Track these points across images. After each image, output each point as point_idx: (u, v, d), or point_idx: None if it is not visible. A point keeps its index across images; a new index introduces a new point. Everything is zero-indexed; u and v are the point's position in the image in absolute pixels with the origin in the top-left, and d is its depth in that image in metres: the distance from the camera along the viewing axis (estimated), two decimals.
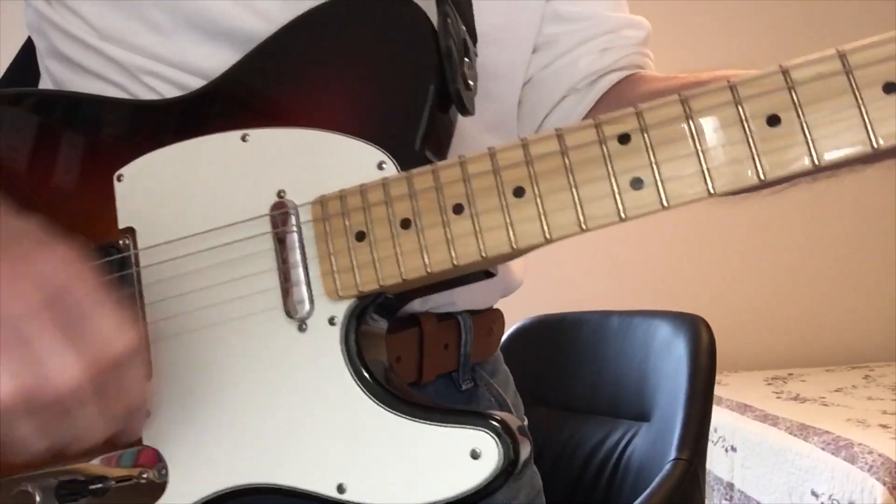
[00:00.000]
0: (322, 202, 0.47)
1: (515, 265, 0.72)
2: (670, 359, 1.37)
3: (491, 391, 0.68)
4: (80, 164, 0.52)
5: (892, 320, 3.20)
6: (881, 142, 0.38)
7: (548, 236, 0.43)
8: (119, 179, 0.51)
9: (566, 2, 0.65)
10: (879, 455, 1.88)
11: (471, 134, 0.57)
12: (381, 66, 0.49)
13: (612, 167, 0.42)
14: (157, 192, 0.50)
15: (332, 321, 0.46)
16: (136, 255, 0.50)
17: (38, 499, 0.48)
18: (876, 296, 3.22)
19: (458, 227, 0.44)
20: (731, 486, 2.35)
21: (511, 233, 0.43)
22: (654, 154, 0.41)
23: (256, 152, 0.49)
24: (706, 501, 1.78)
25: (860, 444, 1.95)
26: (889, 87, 0.37)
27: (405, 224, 0.45)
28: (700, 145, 0.41)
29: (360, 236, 0.46)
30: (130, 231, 0.51)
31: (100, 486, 0.48)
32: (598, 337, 1.55)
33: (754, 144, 0.40)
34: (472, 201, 0.44)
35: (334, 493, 0.45)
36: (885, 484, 1.82)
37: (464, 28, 0.51)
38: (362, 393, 0.45)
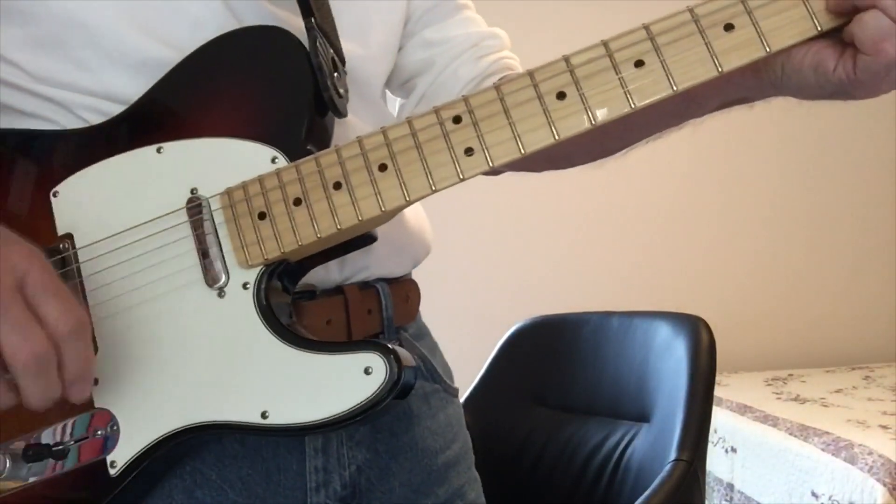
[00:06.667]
0: (228, 193, 0.58)
1: (422, 237, 0.79)
2: (670, 360, 1.37)
3: (414, 350, 0.76)
4: (22, 189, 0.62)
5: (892, 321, 3.20)
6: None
7: (407, 198, 0.56)
8: (55, 196, 0.61)
9: (430, 29, 0.79)
10: (879, 456, 1.89)
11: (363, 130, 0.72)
12: (268, 82, 0.61)
13: (450, 141, 0.55)
14: (89, 201, 0.61)
15: (245, 286, 0.58)
16: (76, 254, 0.60)
17: (7, 464, 0.57)
18: (876, 296, 3.22)
19: (339, 199, 0.56)
20: (731, 486, 2.35)
21: (380, 199, 0.56)
22: (479, 128, 0.55)
23: (170, 160, 0.60)
24: (706, 502, 1.78)
25: (860, 445, 1.95)
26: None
27: (297, 202, 0.57)
28: (511, 117, 0.54)
29: (262, 216, 0.57)
30: (69, 236, 0.61)
31: (61, 447, 0.58)
32: (598, 338, 1.55)
33: (548, 114, 0.54)
34: (348, 178, 0.56)
35: (259, 420, 0.55)
36: (885, 485, 1.82)
37: (331, 49, 0.63)
38: (274, 338, 0.56)
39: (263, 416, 0.55)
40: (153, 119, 0.62)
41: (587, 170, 0.78)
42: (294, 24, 0.63)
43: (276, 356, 0.56)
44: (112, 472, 0.57)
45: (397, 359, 0.54)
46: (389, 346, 0.55)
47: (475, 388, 1.61)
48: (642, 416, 1.42)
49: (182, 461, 0.62)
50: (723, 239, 3.14)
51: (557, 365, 1.57)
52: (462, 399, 1.62)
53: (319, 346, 0.56)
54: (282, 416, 0.55)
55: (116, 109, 0.63)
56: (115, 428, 0.57)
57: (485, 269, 2.97)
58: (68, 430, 0.58)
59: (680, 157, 3.01)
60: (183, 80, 0.62)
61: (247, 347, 0.56)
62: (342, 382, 0.54)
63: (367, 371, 0.54)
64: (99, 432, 0.57)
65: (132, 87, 0.62)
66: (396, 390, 0.54)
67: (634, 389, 1.45)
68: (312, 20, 0.61)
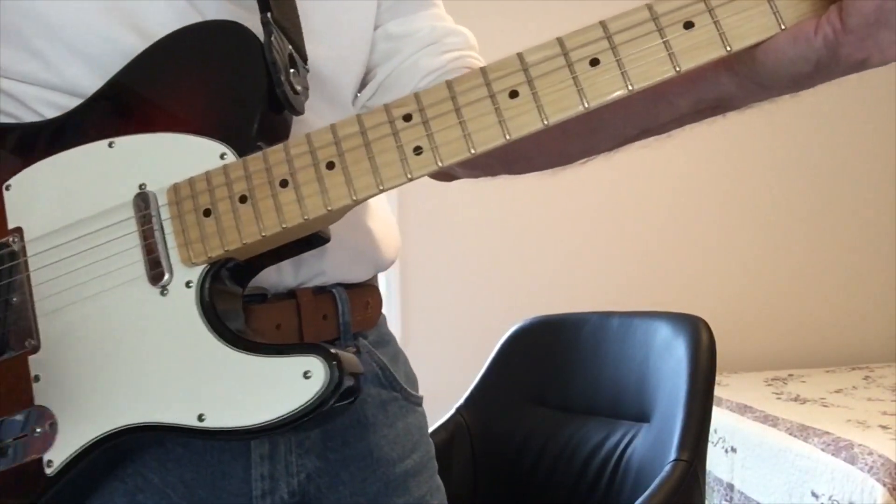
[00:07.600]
0: (175, 188, 0.57)
1: (386, 243, 0.78)
2: (670, 359, 1.37)
3: (373, 357, 0.74)
4: None
5: (892, 321, 3.20)
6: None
7: (354, 198, 0.55)
8: (7, 189, 0.61)
9: (394, 22, 0.78)
10: (879, 456, 1.89)
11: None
12: (221, 78, 0.60)
13: (399, 139, 0.54)
14: (39, 195, 0.60)
15: (188, 284, 0.56)
16: (24, 247, 0.60)
17: None
18: (876, 296, 3.23)
19: (284, 196, 0.55)
20: (731, 486, 2.35)
21: (326, 198, 0.55)
22: (429, 126, 0.54)
23: (121, 155, 0.59)
24: (706, 502, 1.78)
25: (860, 445, 1.95)
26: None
27: (243, 199, 0.56)
28: (462, 116, 0.53)
29: (207, 212, 0.56)
30: (18, 230, 0.60)
31: None
32: (598, 338, 1.55)
33: (500, 113, 0.53)
34: (295, 176, 0.55)
35: (195, 423, 0.54)
36: (885, 485, 1.82)
37: (290, 46, 0.62)
38: (214, 339, 0.55)
39: (200, 418, 0.54)
40: (107, 113, 0.61)
41: (544, 176, 0.77)
42: (255, 23, 0.62)
43: (215, 357, 0.54)
44: (48, 471, 0.56)
45: (339, 363, 0.52)
46: (332, 350, 0.53)
47: (475, 388, 1.61)
48: (642, 416, 1.42)
49: (124, 464, 0.61)
50: (723, 239, 3.14)
51: (557, 365, 1.57)
52: (462, 399, 1.62)
53: (260, 349, 0.54)
54: (218, 419, 0.54)
55: (73, 103, 0.62)
56: (53, 426, 0.56)
57: (485, 270, 2.97)
58: (6, 428, 0.57)
59: (680, 156, 3.01)
60: (138, 75, 0.61)
61: (186, 347, 0.55)
62: (280, 386, 0.53)
63: (305, 375, 0.52)
64: (38, 430, 0.56)
65: (89, 80, 0.62)
66: (336, 396, 0.52)
67: (634, 389, 1.45)
68: (268, 15, 0.60)
